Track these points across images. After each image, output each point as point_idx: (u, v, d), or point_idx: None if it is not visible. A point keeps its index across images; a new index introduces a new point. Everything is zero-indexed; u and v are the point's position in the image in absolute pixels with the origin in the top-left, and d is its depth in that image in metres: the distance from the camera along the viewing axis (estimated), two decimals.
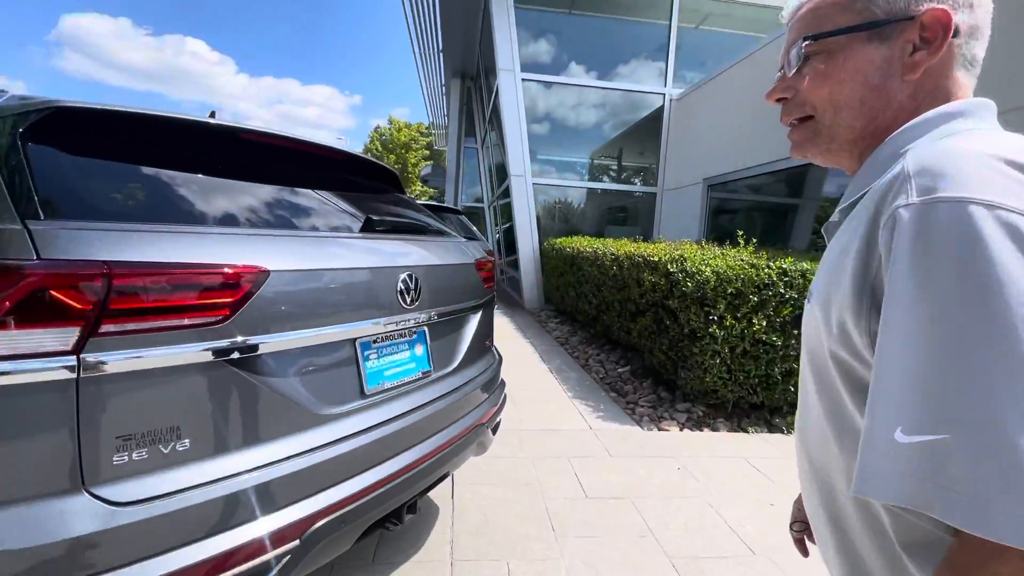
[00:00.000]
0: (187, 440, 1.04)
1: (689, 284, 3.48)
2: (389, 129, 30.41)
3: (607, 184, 10.49)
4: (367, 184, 1.97)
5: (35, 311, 0.88)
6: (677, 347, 3.75)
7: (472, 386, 1.90)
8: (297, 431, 1.23)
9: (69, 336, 0.90)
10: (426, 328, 1.72)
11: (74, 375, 0.90)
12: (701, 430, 3.48)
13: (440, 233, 2.04)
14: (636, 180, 10.66)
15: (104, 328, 0.93)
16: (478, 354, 2.04)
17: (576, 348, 5.84)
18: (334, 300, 1.35)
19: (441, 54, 13.81)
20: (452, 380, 1.80)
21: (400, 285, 1.55)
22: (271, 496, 1.15)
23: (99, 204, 1.11)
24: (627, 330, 4.82)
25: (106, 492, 0.94)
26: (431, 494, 2.47)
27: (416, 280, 1.61)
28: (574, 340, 6.22)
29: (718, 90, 7.77)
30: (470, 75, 15.22)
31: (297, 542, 1.16)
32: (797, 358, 3.41)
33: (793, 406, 3.59)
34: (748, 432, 3.46)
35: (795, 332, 3.36)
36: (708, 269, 3.44)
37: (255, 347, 1.14)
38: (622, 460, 2.96)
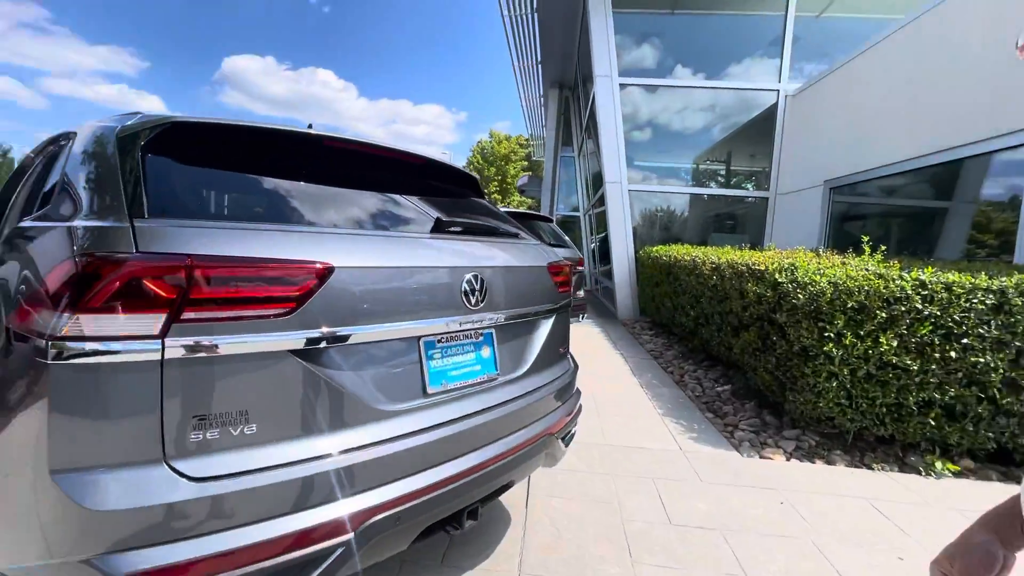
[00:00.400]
0: (254, 425, 1.09)
1: (800, 296, 3.09)
2: (490, 142, 31.55)
3: (713, 189, 9.83)
4: (445, 188, 2.01)
5: (130, 298, 0.99)
6: (785, 366, 3.35)
7: (542, 393, 1.83)
8: (357, 425, 1.26)
9: (156, 321, 0.99)
10: (493, 331, 1.69)
11: (159, 357, 0.99)
12: (812, 462, 3.06)
13: (514, 236, 2.01)
14: (746, 184, 9.88)
15: (185, 315, 1.02)
16: (550, 361, 1.96)
17: (671, 363, 5.50)
18: (397, 298, 1.37)
19: (540, 65, 14.01)
20: (520, 385, 1.75)
21: (465, 286, 1.54)
22: (329, 487, 1.17)
23: (195, 204, 1.23)
24: (728, 345, 4.43)
25: (183, 466, 1.01)
26: (504, 501, 2.43)
27: (481, 281, 1.59)
28: (669, 354, 5.87)
29: (845, 81, 6.94)
30: (568, 85, 15.25)
31: (351, 535, 1.17)
32: (940, 386, 2.86)
33: (936, 443, 3.02)
34: (873, 469, 2.97)
35: (937, 355, 2.83)
36: (823, 279, 3.03)
37: (318, 340, 1.18)
38: (714, 487, 2.69)
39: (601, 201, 9.56)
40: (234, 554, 1.03)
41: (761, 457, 3.10)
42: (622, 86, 8.76)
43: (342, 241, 1.31)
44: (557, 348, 2.03)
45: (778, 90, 8.54)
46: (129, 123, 1.33)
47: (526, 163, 31.26)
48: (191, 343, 1.02)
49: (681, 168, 10.04)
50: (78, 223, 1.14)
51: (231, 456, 1.07)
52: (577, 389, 2.19)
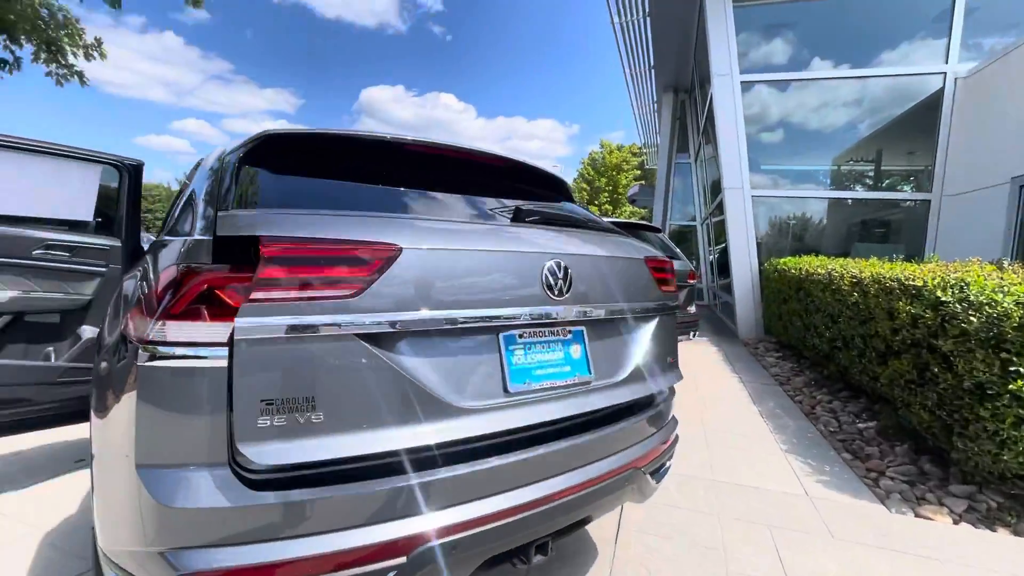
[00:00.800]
0: (321, 412, 1.06)
1: (973, 319, 2.49)
2: (601, 152, 31.14)
3: (859, 193, 8.56)
4: (531, 190, 1.93)
5: (202, 306, 1.05)
6: (952, 405, 2.71)
7: (635, 418, 1.65)
8: (430, 419, 1.18)
9: (226, 329, 1.03)
10: (584, 329, 1.53)
11: (226, 364, 1.03)
12: (992, 529, 2.41)
13: (606, 231, 1.84)
14: (902, 186, 8.48)
15: (253, 296, 1.03)
16: (654, 370, 1.74)
17: (800, 390, 4.82)
18: (470, 284, 1.29)
19: (652, 70, 13.49)
20: (619, 393, 1.57)
21: (546, 273, 1.41)
22: (391, 503, 1.14)
23: (282, 202, 1.29)
24: (872, 375, 3.74)
25: (250, 451, 1.01)
26: (589, 530, 2.25)
27: (565, 269, 1.45)
28: (798, 380, 5.15)
29: None
30: (683, 88, 14.48)
31: (404, 559, 1.11)
32: None
33: None
34: None
35: None
36: (1008, 299, 2.41)
37: (385, 323, 1.14)
38: (850, 545, 2.24)
39: (720, 209, 8.83)
40: (289, 565, 1.03)
41: (917, 515, 2.52)
42: (746, 84, 8.05)
43: (412, 226, 1.27)
44: (663, 356, 1.81)
45: (944, 72, 7.21)
46: (237, 142, 1.46)
47: (639, 172, 30.26)
48: (257, 323, 1.02)
49: (818, 170, 8.92)
50: (182, 237, 1.25)
51: (297, 444, 1.04)
52: (673, 417, 1.95)
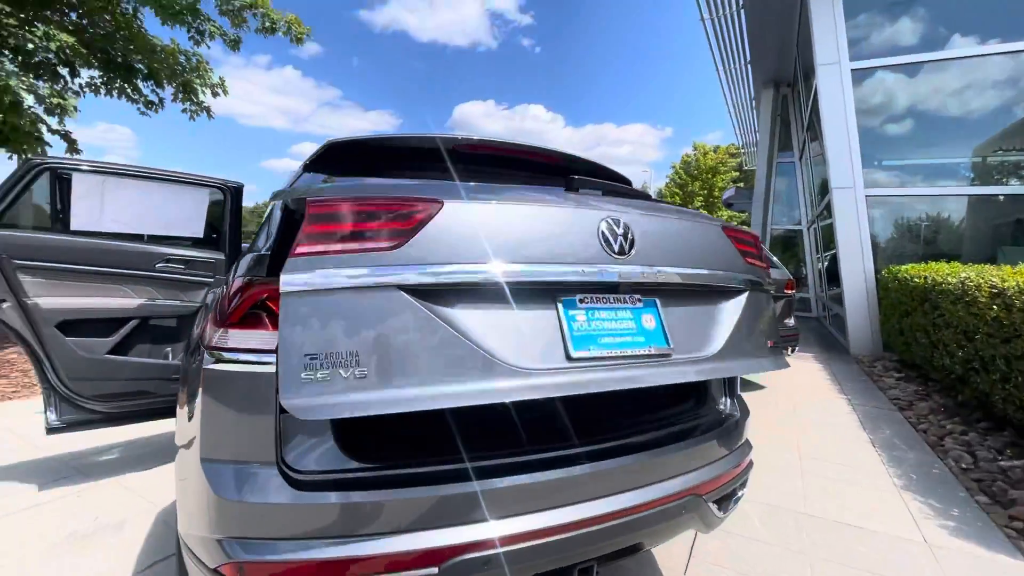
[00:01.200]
0: (365, 368, 1.03)
1: None
2: (694, 155, 29.63)
3: (1013, 187, 7.23)
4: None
5: (254, 317, 1.13)
6: None
7: (698, 438, 1.53)
8: (484, 378, 1.12)
9: (275, 338, 1.10)
10: (657, 299, 1.41)
11: (275, 369, 1.10)
12: None
13: (671, 208, 1.70)
14: None
15: (298, 250, 1.06)
16: (750, 348, 1.55)
17: (924, 418, 4.17)
18: (517, 239, 1.22)
19: (749, 66, 12.61)
20: (708, 368, 1.41)
21: (602, 228, 1.31)
22: (426, 511, 1.15)
23: None
24: (1019, 403, 3.13)
25: (294, 404, 0.99)
26: (657, 556, 2.11)
27: (625, 226, 1.35)
28: (922, 406, 4.47)
29: None
30: (785, 81, 13.36)
31: (436, 570, 1.11)
32: None
33: None
34: None
35: None
36: None
37: (428, 277, 1.11)
38: None
39: (828, 211, 7.99)
40: (325, 565, 1.08)
41: None
42: (864, 72, 7.23)
43: (456, 189, 1.26)
44: (760, 335, 1.61)
45: None
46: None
47: (736, 174, 28.33)
48: (301, 280, 1.04)
49: (956, 164, 7.72)
50: (253, 252, 1.37)
51: (337, 399, 1.02)
52: (747, 440, 1.77)
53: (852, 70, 7.21)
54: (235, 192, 2.66)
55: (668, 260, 1.41)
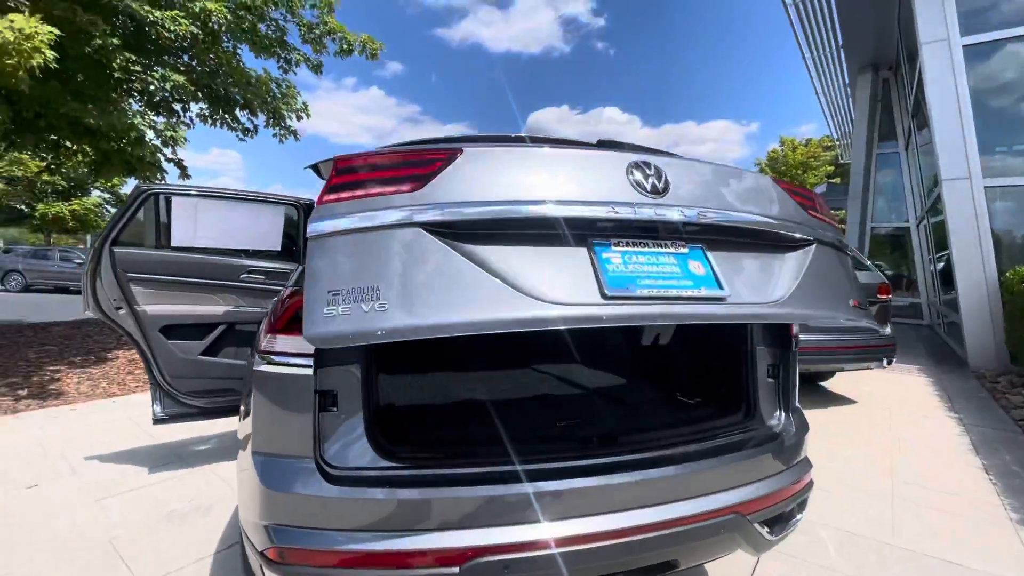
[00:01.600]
0: (385, 301, 1.03)
1: None
2: (781, 150, 27.53)
3: None
4: None
5: (295, 324, 1.24)
6: None
7: (745, 451, 1.44)
8: (504, 308, 1.07)
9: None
10: (703, 247, 1.30)
11: (311, 372, 1.20)
12: None
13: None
14: None
15: (324, 199, 1.13)
16: (826, 300, 1.40)
17: None
18: (538, 181, 1.21)
19: (841, 50, 11.56)
20: (770, 312, 1.28)
21: (631, 169, 1.25)
22: (450, 512, 1.19)
23: None
24: None
25: (314, 332, 1.02)
26: None
27: (656, 168, 1.27)
28: None
29: None
30: (885, 64, 12.09)
31: (456, 569, 1.15)
32: None
33: None
34: None
35: None
36: None
37: (447, 214, 1.11)
38: None
39: (941, 206, 7.11)
40: (353, 556, 1.15)
41: None
42: (975, 47, 6.37)
43: (478, 140, 1.30)
44: (837, 290, 1.45)
45: None
46: None
47: (832, 168, 25.89)
48: (326, 223, 1.10)
49: None
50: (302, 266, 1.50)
51: (358, 323, 1.03)
52: (805, 458, 1.64)
53: (964, 46, 6.39)
54: (307, 208, 2.90)
55: (711, 204, 1.30)
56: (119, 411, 4.15)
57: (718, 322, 1.31)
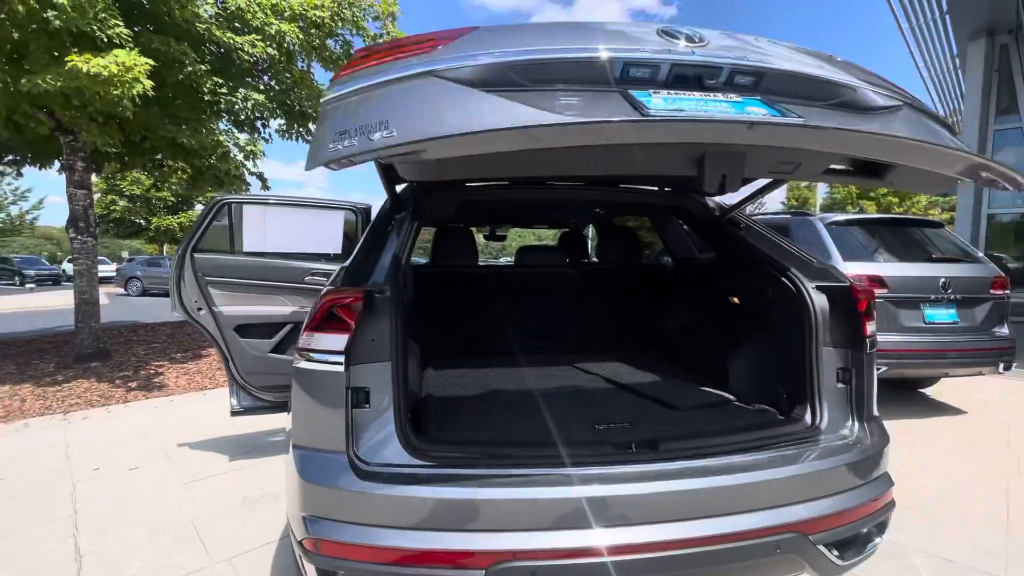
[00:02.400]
0: (394, 130, 1.00)
1: None
2: None
3: None
4: None
5: (329, 322, 1.27)
6: None
7: (809, 464, 1.31)
8: (527, 120, 0.99)
9: (343, 341, 1.24)
10: (760, 97, 1.14)
11: (343, 369, 1.23)
12: None
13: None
14: None
15: (342, 74, 1.15)
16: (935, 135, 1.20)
17: None
18: (558, 40, 1.15)
19: (947, 16, 10.28)
20: (865, 128, 1.12)
21: (660, 31, 1.18)
22: (476, 513, 1.18)
23: None
24: None
25: (319, 161, 1.04)
26: None
27: (689, 28, 1.20)
28: None
29: None
30: (1004, 28, 10.58)
31: (483, 572, 1.12)
32: None
33: None
34: None
35: None
36: None
37: (462, 66, 1.08)
38: None
39: None
40: (380, 551, 1.16)
41: None
42: None
43: None
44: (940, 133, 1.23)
45: None
46: None
47: None
48: (337, 91, 1.12)
49: None
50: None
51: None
52: (886, 473, 1.45)
53: None
54: (365, 212, 3.02)
55: (763, 59, 1.15)
56: (209, 403, 4.57)
57: (789, 144, 1.15)
